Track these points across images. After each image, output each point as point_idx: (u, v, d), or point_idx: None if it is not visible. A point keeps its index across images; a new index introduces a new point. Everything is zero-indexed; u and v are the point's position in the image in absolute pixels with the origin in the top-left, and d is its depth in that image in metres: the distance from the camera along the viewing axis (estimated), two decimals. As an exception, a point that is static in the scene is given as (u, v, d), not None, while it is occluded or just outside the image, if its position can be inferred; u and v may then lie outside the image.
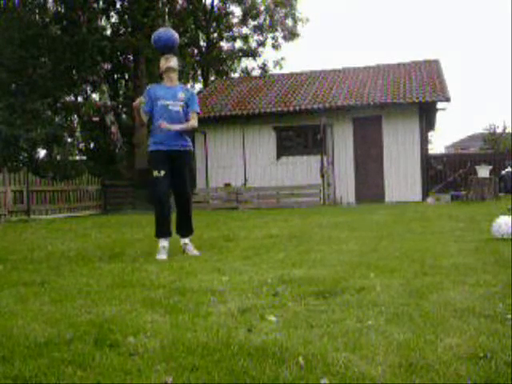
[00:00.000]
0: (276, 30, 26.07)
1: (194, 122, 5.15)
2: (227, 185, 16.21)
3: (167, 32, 5.19)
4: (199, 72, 26.39)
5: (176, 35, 5.18)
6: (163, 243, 4.95)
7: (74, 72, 21.25)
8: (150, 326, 2.45)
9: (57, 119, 22.55)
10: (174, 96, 5.07)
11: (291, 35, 25.96)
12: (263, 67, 26.58)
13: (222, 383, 1.78)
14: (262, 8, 26.00)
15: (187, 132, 5.22)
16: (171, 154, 5.03)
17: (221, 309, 2.74)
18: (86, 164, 21.10)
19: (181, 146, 5.09)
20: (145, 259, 4.74)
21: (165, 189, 5.01)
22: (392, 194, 15.58)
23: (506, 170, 17.81)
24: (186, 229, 5.18)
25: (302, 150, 16.41)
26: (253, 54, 26.32)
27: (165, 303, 2.90)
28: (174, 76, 5.16)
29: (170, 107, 5.04)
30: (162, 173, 4.97)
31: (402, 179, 15.59)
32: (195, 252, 5.03)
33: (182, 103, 5.07)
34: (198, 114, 5.22)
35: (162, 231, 5.00)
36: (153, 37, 5.16)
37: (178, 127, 5.02)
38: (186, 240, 5.14)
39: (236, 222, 9.53)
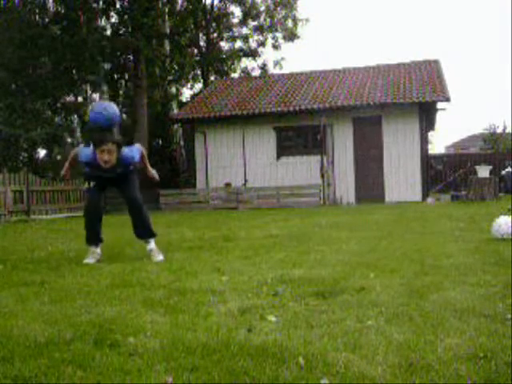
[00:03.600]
0: (276, 30, 26.06)
1: (145, 156, 5.07)
2: (227, 185, 16.21)
3: (102, 111, 4.69)
4: (199, 72, 26.37)
5: (111, 112, 4.70)
6: (92, 249, 4.90)
7: (73, 72, 21.27)
8: (150, 326, 2.45)
9: (57, 119, 22.56)
10: (112, 172, 4.85)
11: (291, 36, 25.95)
12: (263, 67, 26.57)
13: (221, 383, 1.78)
14: (262, 8, 26.00)
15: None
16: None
17: (221, 309, 2.74)
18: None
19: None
20: (145, 259, 4.74)
21: (95, 199, 5.00)
22: (392, 194, 15.58)
23: (506, 169, 17.82)
24: (141, 229, 4.99)
25: (302, 150, 16.41)
26: (253, 54, 26.31)
27: (165, 303, 2.90)
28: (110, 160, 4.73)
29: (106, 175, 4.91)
30: (92, 184, 4.97)
31: (402, 179, 15.59)
32: (156, 258, 4.76)
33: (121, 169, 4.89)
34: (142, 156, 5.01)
35: (89, 240, 4.94)
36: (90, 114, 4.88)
37: (151, 171, 5.16)
38: (151, 245, 4.93)
39: (236, 221, 9.53)
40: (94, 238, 4.94)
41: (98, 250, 4.94)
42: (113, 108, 4.78)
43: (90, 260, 4.76)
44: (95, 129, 4.77)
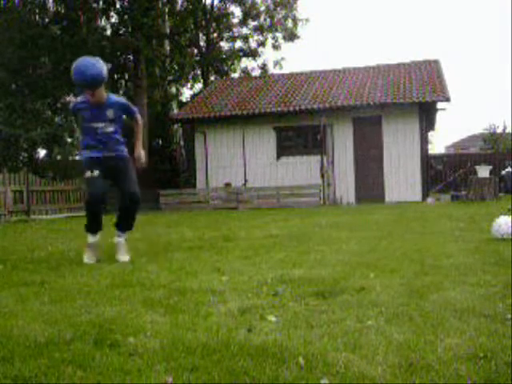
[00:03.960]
0: (276, 30, 26.06)
1: (139, 123, 4.93)
2: (227, 185, 16.21)
3: (85, 67, 4.45)
4: (199, 72, 26.37)
5: (95, 69, 4.45)
6: (91, 239, 4.75)
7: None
8: (150, 326, 2.45)
9: (57, 119, 22.56)
10: (103, 117, 4.68)
11: (291, 36, 25.95)
12: (263, 67, 26.57)
13: (221, 383, 1.78)
14: (262, 8, 26.00)
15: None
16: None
17: (221, 309, 2.74)
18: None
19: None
20: (145, 259, 4.74)
21: (98, 191, 4.72)
22: (392, 194, 15.58)
23: (506, 169, 17.83)
24: (124, 224, 4.90)
25: (302, 150, 16.41)
26: (253, 54, 26.31)
27: (165, 303, 2.90)
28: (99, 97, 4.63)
29: (100, 130, 4.71)
30: (96, 173, 4.67)
31: (402, 179, 15.59)
32: (124, 257, 4.70)
33: (112, 126, 4.72)
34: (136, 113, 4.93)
35: (91, 228, 4.78)
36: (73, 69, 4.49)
37: (139, 150, 4.90)
38: (120, 239, 4.85)
39: (236, 222, 9.53)
40: (95, 227, 4.79)
41: (97, 238, 4.79)
42: (97, 64, 4.49)
43: (90, 260, 4.68)
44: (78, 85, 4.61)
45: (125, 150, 4.94)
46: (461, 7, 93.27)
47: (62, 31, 20.52)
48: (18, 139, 19.10)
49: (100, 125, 4.70)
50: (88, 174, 4.69)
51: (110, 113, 4.70)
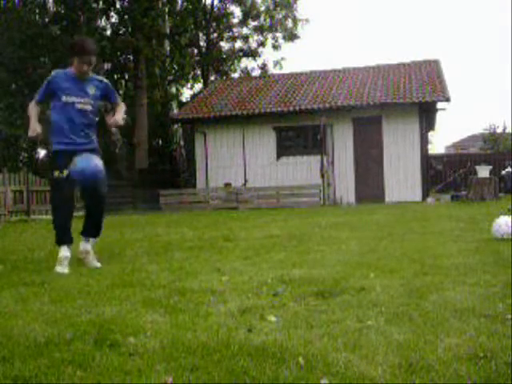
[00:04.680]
0: (276, 30, 26.07)
1: (121, 104, 4.61)
2: (227, 185, 16.21)
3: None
4: (199, 72, 26.37)
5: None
6: (64, 253, 4.27)
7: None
8: (150, 326, 2.45)
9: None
10: (83, 92, 4.32)
11: (291, 36, 25.96)
12: (263, 67, 26.57)
13: (221, 383, 1.78)
14: (262, 9, 26.00)
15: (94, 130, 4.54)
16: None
17: (221, 309, 2.74)
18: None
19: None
20: (145, 259, 4.74)
21: (68, 191, 4.37)
22: (392, 194, 15.58)
23: (506, 169, 17.83)
24: (91, 230, 4.59)
25: (302, 150, 16.41)
26: (253, 54, 26.32)
27: (165, 303, 2.90)
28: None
29: (77, 106, 4.29)
30: (66, 173, 4.21)
31: (402, 179, 15.59)
32: (95, 263, 4.45)
33: (90, 105, 4.36)
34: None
35: (62, 239, 4.36)
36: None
37: (118, 116, 4.48)
38: (88, 246, 4.52)
39: (236, 222, 9.53)
40: (67, 236, 4.38)
41: (69, 253, 4.32)
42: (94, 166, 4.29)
43: (63, 269, 4.17)
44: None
45: (96, 141, 4.58)
46: (461, 7, 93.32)
47: (61, 31, 20.54)
48: (18, 139, 19.11)
49: (78, 100, 4.30)
50: (56, 174, 4.27)
51: (91, 89, 4.35)
